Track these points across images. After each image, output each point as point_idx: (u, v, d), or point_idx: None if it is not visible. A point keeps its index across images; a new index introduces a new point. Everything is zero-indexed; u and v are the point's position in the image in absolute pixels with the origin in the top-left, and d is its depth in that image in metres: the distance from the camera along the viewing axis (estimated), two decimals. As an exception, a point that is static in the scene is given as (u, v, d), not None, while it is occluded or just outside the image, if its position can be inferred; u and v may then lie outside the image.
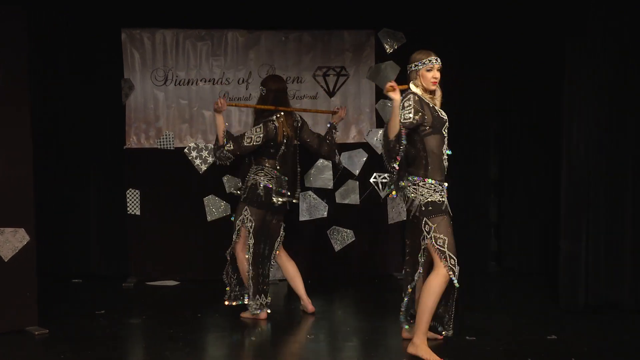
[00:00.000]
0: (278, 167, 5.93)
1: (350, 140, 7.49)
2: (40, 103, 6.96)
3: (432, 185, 4.89)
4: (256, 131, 5.84)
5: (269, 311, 5.96)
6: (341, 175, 7.45)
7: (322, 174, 7.46)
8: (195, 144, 7.26)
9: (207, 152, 7.24)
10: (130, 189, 7.27)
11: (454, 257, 4.88)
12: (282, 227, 6.04)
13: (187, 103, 7.29)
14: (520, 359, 4.89)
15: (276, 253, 6.04)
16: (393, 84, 4.82)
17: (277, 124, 5.86)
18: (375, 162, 7.45)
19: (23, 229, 5.55)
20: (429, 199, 4.88)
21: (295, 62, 7.39)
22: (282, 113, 5.91)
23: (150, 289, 7.10)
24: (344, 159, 7.45)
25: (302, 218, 7.44)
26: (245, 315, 5.96)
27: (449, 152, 5.01)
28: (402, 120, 4.75)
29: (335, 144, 6.26)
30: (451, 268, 4.84)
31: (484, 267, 7.67)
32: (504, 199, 7.80)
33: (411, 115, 4.75)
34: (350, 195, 7.50)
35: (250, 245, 5.87)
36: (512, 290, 7.06)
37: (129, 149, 7.27)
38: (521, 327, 5.68)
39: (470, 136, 7.55)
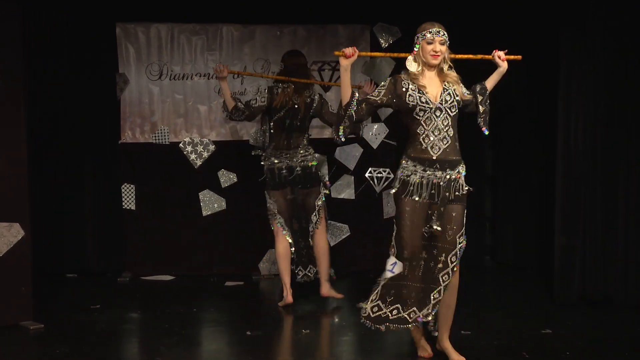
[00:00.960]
0: (272, 132, 6.16)
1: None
2: (34, 98, 6.94)
3: (404, 161, 4.60)
4: (261, 94, 6.19)
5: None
6: (336, 170, 7.47)
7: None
8: (191, 138, 7.26)
9: (202, 146, 7.24)
10: (126, 184, 7.26)
11: (394, 247, 4.61)
12: (317, 200, 6.18)
13: (182, 98, 7.28)
14: (515, 353, 4.90)
15: (315, 227, 6.18)
16: (347, 50, 4.65)
17: (279, 91, 6.10)
18: (370, 157, 7.49)
19: (18, 224, 5.54)
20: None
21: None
22: (292, 85, 6.07)
23: (145, 284, 7.10)
24: (339, 153, 7.45)
25: (297, 213, 7.43)
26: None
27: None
28: (370, 94, 4.69)
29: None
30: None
31: (479, 261, 7.69)
32: (498, 194, 7.81)
33: (376, 94, 4.60)
34: (345, 189, 7.50)
35: (281, 224, 6.17)
36: (506, 284, 7.07)
37: (123, 144, 7.26)
38: (516, 321, 5.69)
39: (465, 131, 7.53)
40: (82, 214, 7.44)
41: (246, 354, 4.93)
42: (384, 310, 4.59)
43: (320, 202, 6.19)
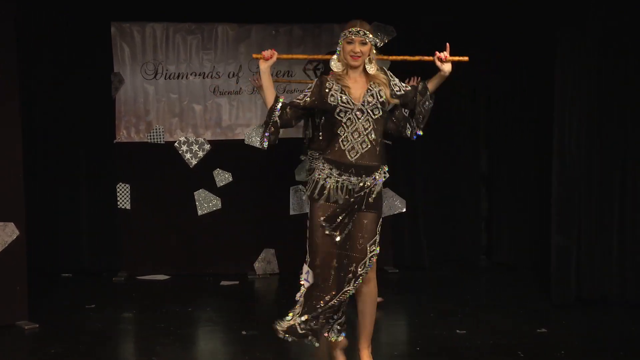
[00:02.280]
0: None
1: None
2: (29, 98, 6.93)
3: (321, 163, 4.39)
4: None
5: None
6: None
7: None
8: (186, 138, 7.25)
9: (197, 146, 7.24)
10: (121, 183, 7.26)
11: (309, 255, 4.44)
12: None
13: (177, 97, 7.27)
14: (511, 353, 4.90)
15: None
16: (266, 53, 4.36)
17: None
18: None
19: (13, 224, 5.53)
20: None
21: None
22: None
23: (140, 283, 7.09)
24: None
25: (292, 212, 7.43)
26: None
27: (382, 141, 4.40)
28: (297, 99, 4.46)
29: (405, 118, 5.93)
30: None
31: (475, 261, 7.70)
32: (494, 194, 7.82)
33: (301, 97, 4.39)
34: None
35: None
36: (502, 284, 7.08)
37: (119, 143, 7.25)
38: (512, 320, 5.69)
39: (461, 131, 7.57)
40: (78, 214, 7.43)
41: (242, 354, 4.92)
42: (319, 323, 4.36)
43: None
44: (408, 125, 4.56)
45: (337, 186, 4.30)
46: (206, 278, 7.22)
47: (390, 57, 4.73)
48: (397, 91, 4.35)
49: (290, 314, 4.38)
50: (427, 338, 5.33)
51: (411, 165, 7.38)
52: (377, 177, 4.33)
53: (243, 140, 7.30)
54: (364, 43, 4.28)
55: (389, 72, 4.40)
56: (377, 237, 4.35)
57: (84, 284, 7.11)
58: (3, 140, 5.50)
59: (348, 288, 4.33)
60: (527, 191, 7.50)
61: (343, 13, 7.31)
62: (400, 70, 4.56)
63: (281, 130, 4.46)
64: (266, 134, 4.42)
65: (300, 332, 4.34)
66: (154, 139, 7.23)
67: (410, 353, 5.04)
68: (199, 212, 7.30)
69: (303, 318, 4.33)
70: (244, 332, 5.44)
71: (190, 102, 7.28)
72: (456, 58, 4.33)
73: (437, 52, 4.34)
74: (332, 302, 4.32)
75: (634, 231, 5.98)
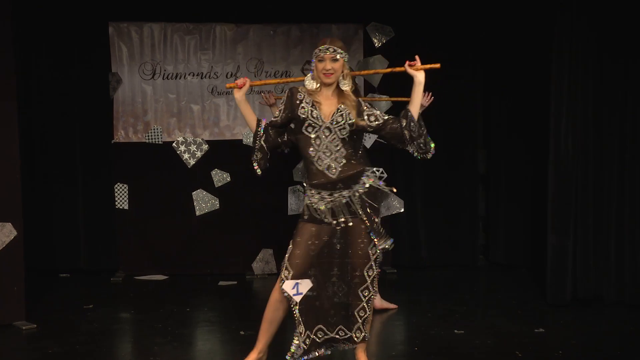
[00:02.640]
0: None
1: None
2: (27, 98, 6.93)
3: (308, 190, 4.38)
4: None
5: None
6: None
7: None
8: (184, 138, 7.25)
9: (195, 146, 7.23)
10: (119, 184, 7.26)
11: (289, 269, 4.36)
12: None
13: (175, 97, 7.27)
14: (508, 352, 4.91)
15: None
16: (239, 81, 4.39)
17: None
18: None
19: (10, 224, 5.53)
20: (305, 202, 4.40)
21: (284, 56, 7.38)
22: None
23: (138, 283, 7.09)
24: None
25: (290, 212, 7.42)
26: None
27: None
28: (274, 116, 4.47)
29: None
30: (282, 279, 4.38)
31: (472, 261, 7.69)
32: (491, 194, 7.82)
33: (277, 113, 4.40)
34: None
35: None
36: (499, 284, 7.08)
37: (116, 143, 7.25)
38: (509, 320, 5.70)
39: (459, 132, 7.57)
40: (75, 214, 7.42)
41: (240, 353, 4.89)
42: (311, 337, 4.36)
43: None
44: (410, 148, 4.56)
45: (331, 208, 4.30)
46: (204, 278, 7.23)
47: (363, 72, 4.72)
48: (373, 121, 4.31)
49: (296, 338, 4.37)
50: (425, 338, 5.33)
51: (409, 165, 7.38)
52: (366, 180, 4.34)
53: (241, 140, 7.30)
54: (334, 60, 4.27)
55: (362, 101, 4.38)
56: (376, 240, 4.36)
57: (81, 284, 7.10)
58: (0, 140, 5.49)
59: (362, 295, 4.33)
60: (524, 191, 7.50)
61: (341, 13, 7.36)
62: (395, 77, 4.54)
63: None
64: (253, 159, 4.48)
65: (312, 346, 4.37)
66: (152, 139, 7.23)
67: (408, 353, 5.04)
68: (197, 212, 7.30)
69: (308, 332, 4.34)
70: (242, 332, 5.44)
71: (188, 102, 7.28)
72: (427, 66, 4.30)
73: (407, 62, 4.32)
74: (335, 310, 4.37)
75: (630, 231, 6.00)
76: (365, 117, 4.31)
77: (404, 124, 4.28)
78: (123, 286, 6.99)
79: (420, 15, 7.39)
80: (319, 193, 4.32)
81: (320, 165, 4.29)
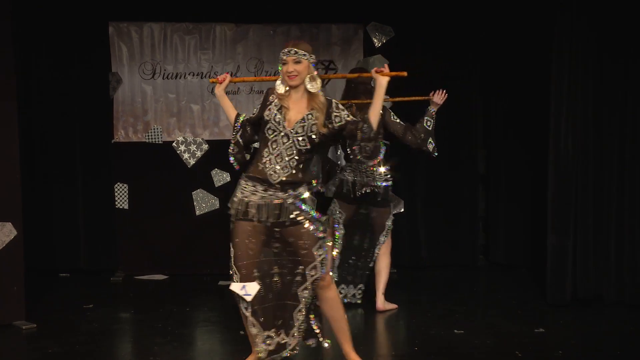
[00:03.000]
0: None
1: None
2: (27, 97, 6.92)
3: (243, 181, 4.38)
4: None
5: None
6: (330, 169, 7.45)
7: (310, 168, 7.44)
8: (184, 137, 7.25)
9: (195, 146, 7.23)
10: (119, 183, 7.26)
11: (236, 272, 4.40)
12: (387, 220, 6.01)
13: (175, 97, 7.27)
14: (508, 352, 4.91)
15: (379, 248, 6.02)
16: (220, 77, 4.48)
17: None
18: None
19: (10, 223, 5.53)
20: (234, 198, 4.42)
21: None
22: (351, 105, 5.89)
23: (138, 283, 7.09)
24: (331, 153, 7.43)
25: (290, 212, 7.43)
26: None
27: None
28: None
29: (428, 131, 5.81)
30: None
31: (473, 261, 7.69)
32: (491, 194, 7.81)
33: (255, 110, 4.41)
34: (338, 189, 7.49)
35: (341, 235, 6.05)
36: (499, 284, 7.08)
37: (116, 143, 7.25)
38: (509, 320, 5.70)
39: (458, 132, 7.57)
40: (75, 214, 7.42)
41: (239, 353, 4.89)
42: (273, 337, 4.36)
43: (389, 222, 6.03)
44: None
45: (261, 204, 4.28)
46: (204, 278, 7.21)
47: (331, 76, 4.72)
48: (337, 122, 4.28)
49: (258, 340, 4.35)
50: (425, 338, 5.33)
51: (409, 166, 7.38)
52: (302, 191, 4.30)
53: (241, 140, 7.29)
54: (297, 62, 4.24)
55: (334, 101, 4.34)
56: (322, 242, 4.31)
57: (81, 283, 7.10)
58: (0, 140, 5.48)
59: (301, 296, 4.32)
60: (524, 191, 7.50)
61: (341, 13, 7.36)
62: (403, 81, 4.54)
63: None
64: (230, 153, 4.51)
65: (274, 347, 4.35)
66: (151, 139, 7.23)
67: (408, 353, 5.04)
68: (197, 212, 7.30)
69: (267, 333, 4.34)
70: (242, 332, 5.38)
71: (188, 102, 7.28)
72: (394, 73, 4.29)
73: (375, 69, 4.33)
74: (277, 311, 4.35)
75: (630, 231, 6.00)
76: (333, 119, 4.28)
77: (360, 125, 4.27)
78: (123, 286, 6.98)
79: (420, 16, 7.39)
80: (253, 186, 4.30)
81: (266, 168, 4.26)
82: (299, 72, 4.24)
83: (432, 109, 5.84)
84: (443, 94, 5.84)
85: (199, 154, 7.23)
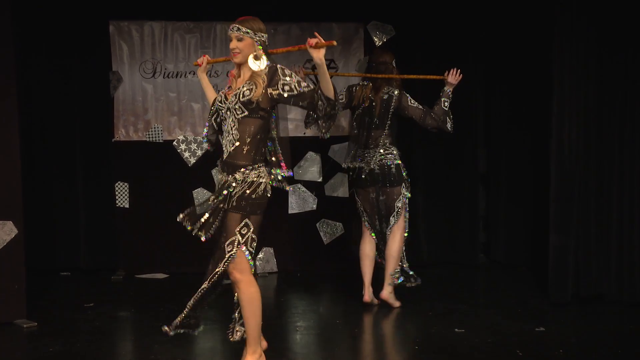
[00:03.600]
0: (355, 131, 6.06)
1: (339, 133, 7.46)
2: (27, 96, 6.93)
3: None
4: (341, 92, 6.08)
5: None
6: (330, 168, 7.48)
7: (311, 166, 7.45)
8: (184, 136, 7.25)
9: (195, 144, 7.23)
10: (119, 182, 7.27)
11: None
12: (397, 201, 5.96)
13: (176, 95, 7.28)
14: (509, 351, 4.92)
15: (390, 230, 6.00)
16: (199, 60, 4.73)
17: (357, 89, 6.04)
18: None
19: (11, 222, 5.55)
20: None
21: (284, 54, 7.36)
22: (370, 82, 5.97)
23: (139, 282, 7.09)
24: (332, 151, 7.44)
25: (291, 211, 7.45)
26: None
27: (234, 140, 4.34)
28: None
29: (445, 112, 5.90)
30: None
31: (473, 259, 7.69)
32: (492, 193, 7.83)
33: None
34: (339, 187, 7.51)
35: (368, 223, 6.08)
36: (500, 282, 7.09)
37: (117, 142, 7.25)
38: (510, 319, 5.70)
39: (459, 130, 7.55)
40: (76, 212, 7.43)
41: (241, 351, 4.87)
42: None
43: (400, 204, 5.98)
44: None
45: (219, 183, 4.40)
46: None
47: (271, 51, 4.64)
48: (286, 90, 4.26)
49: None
50: (425, 337, 5.34)
51: (410, 164, 7.38)
52: (238, 176, 4.29)
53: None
54: (239, 39, 4.31)
55: (279, 68, 4.30)
56: (237, 238, 4.35)
57: (82, 282, 7.12)
58: (1, 139, 5.50)
59: (204, 286, 4.59)
60: (525, 190, 7.51)
61: (341, 12, 7.37)
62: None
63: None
64: (204, 135, 4.58)
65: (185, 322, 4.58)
66: (152, 137, 7.23)
67: (408, 352, 5.05)
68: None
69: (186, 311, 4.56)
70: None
71: (188, 100, 7.29)
72: (325, 43, 4.22)
73: (309, 39, 4.26)
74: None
75: (631, 230, 6.00)
76: (279, 87, 4.26)
77: (322, 96, 4.25)
78: (124, 285, 6.99)
79: (420, 14, 7.41)
80: (217, 166, 4.49)
81: (222, 143, 4.38)
82: (241, 49, 4.31)
83: (448, 90, 5.92)
84: (457, 74, 5.91)
85: (199, 152, 7.23)
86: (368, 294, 6.06)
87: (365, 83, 6.03)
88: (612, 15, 5.94)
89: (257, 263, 7.40)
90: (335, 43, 4.26)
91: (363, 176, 6.00)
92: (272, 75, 4.28)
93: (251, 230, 4.35)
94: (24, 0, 6.73)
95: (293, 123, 7.44)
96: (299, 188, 7.42)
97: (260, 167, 4.35)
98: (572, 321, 5.69)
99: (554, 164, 6.06)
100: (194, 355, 5.04)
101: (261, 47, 4.34)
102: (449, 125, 5.94)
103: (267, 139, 4.41)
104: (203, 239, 4.45)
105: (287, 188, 4.51)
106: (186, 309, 4.58)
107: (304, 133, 7.42)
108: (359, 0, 7.34)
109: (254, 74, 4.30)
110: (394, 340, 5.46)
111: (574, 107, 6.00)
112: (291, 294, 6.73)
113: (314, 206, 7.48)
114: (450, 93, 5.93)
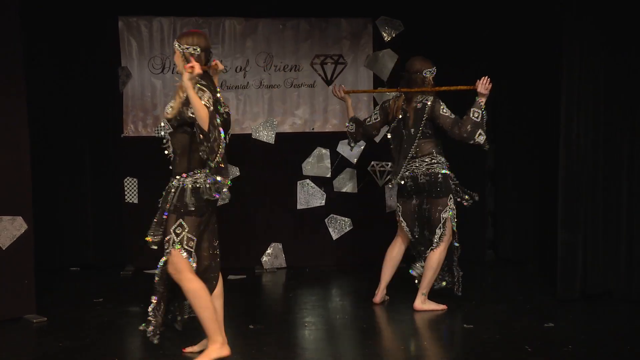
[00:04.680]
0: (391, 147, 6.00)
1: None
2: (36, 92, 6.95)
3: None
4: (374, 112, 6.15)
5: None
6: (339, 164, 7.49)
7: (320, 162, 7.46)
8: (193, 132, 7.26)
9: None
10: (128, 178, 7.30)
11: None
12: (443, 212, 5.76)
13: (185, 91, 7.28)
14: (518, 347, 4.92)
15: (437, 243, 5.81)
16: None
17: (389, 104, 5.99)
18: (372, 151, 7.50)
19: (21, 217, 5.58)
20: None
21: (293, 50, 7.40)
22: (401, 95, 5.90)
23: (147, 277, 7.08)
24: (341, 148, 7.45)
25: (299, 206, 7.46)
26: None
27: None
28: None
29: (476, 123, 5.64)
30: None
31: (481, 255, 7.70)
32: (500, 189, 7.83)
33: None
34: (347, 183, 7.52)
35: (404, 228, 5.98)
36: (508, 279, 7.09)
37: (126, 137, 7.27)
38: (518, 315, 5.72)
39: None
40: (85, 208, 7.46)
41: (249, 347, 4.96)
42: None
43: (445, 215, 5.78)
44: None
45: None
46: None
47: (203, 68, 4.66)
48: (191, 112, 4.32)
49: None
50: (434, 332, 5.35)
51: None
52: (175, 183, 4.53)
53: (250, 134, 7.32)
54: (174, 53, 4.52)
55: (199, 90, 4.30)
56: (172, 237, 4.58)
57: (91, 277, 7.16)
58: (10, 135, 5.53)
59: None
60: (533, 187, 7.50)
61: (350, 7, 7.37)
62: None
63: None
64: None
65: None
66: (161, 133, 7.24)
67: (417, 347, 5.06)
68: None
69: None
70: (251, 326, 5.48)
71: (197, 96, 7.29)
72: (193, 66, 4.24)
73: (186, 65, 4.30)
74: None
75: (639, 226, 5.98)
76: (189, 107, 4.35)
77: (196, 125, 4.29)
78: (132, 280, 7.03)
79: (428, 10, 7.40)
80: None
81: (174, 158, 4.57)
82: (177, 63, 4.52)
83: (479, 100, 5.70)
84: (487, 83, 5.68)
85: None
86: (380, 296, 6.05)
87: (398, 95, 5.94)
88: (619, 10, 5.92)
89: (266, 259, 7.41)
90: (199, 70, 4.23)
91: (407, 186, 5.86)
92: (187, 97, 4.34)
93: (186, 230, 4.53)
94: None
95: (302, 119, 7.47)
96: (308, 184, 7.43)
97: (197, 173, 4.49)
98: (580, 318, 5.68)
99: (562, 161, 6.05)
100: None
101: (198, 59, 4.42)
102: (479, 138, 5.65)
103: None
104: (151, 242, 4.77)
105: (219, 194, 4.57)
106: (160, 310, 4.76)
107: (312, 129, 7.46)
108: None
109: (179, 89, 4.44)
110: (402, 335, 5.45)
111: (582, 104, 5.99)
112: (299, 289, 6.73)
113: (323, 202, 7.51)
114: (481, 104, 5.68)
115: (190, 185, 4.49)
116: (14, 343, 5.17)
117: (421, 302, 5.87)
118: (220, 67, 4.53)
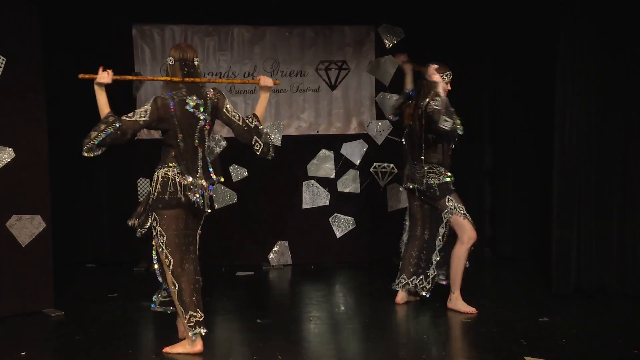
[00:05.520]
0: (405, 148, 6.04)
1: (352, 132, 7.61)
2: (54, 95, 7.09)
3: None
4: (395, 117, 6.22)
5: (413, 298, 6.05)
6: (342, 164, 7.56)
7: (324, 163, 7.58)
8: (203, 134, 7.37)
9: (214, 142, 7.32)
10: (141, 178, 7.40)
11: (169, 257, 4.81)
12: (444, 212, 5.80)
13: (195, 96, 7.39)
14: (514, 341, 4.97)
15: (441, 240, 5.91)
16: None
17: (406, 109, 5.99)
18: (375, 152, 7.59)
19: (39, 216, 5.70)
20: None
21: (299, 56, 7.48)
22: (411, 102, 5.93)
23: (160, 274, 7.21)
24: (344, 149, 7.55)
25: (304, 206, 7.58)
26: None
27: None
28: None
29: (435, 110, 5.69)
30: None
31: (479, 253, 7.65)
32: (498, 188, 7.82)
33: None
34: (351, 184, 7.62)
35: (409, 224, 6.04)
36: (505, 275, 7.09)
37: (139, 140, 7.28)
38: (514, 310, 5.74)
39: (465, 127, 7.63)
40: (100, 208, 7.56)
41: (256, 341, 5.02)
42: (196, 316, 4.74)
43: (446, 215, 5.80)
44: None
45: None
46: (222, 269, 7.33)
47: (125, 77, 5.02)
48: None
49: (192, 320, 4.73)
50: (433, 327, 5.42)
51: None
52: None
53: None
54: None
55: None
56: (153, 231, 4.77)
57: (106, 274, 7.24)
58: (30, 136, 5.62)
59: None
60: (529, 186, 7.53)
61: (353, 15, 7.42)
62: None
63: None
64: None
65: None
66: (172, 135, 7.35)
67: (417, 342, 5.12)
68: (216, 206, 7.36)
69: (190, 314, 4.69)
70: (258, 320, 5.54)
71: (206, 100, 7.40)
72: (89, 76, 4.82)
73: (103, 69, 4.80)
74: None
75: (633, 223, 6.02)
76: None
77: None
78: (145, 276, 7.04)
79: (428, 15, 7.44)
80: None
81: None
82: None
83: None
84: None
85: (217, 150, 7.30)
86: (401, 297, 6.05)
87: (410, 102, 5.97)
88: (615, 13, 5.95)
89: (272, 256, 7.55)
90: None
91: (412, 188, 5.92)
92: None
93: (157, 224, 4.76)
94: (51, 4, 6.89)
95: (307, 122, 7.56)
96: (312, 184, 7.53)
97: (163, 167, 5.02)
98: (574, 312, 5.68)
99: (556, 159, 6.07)
100: (211, 344, 5.04)
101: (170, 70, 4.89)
102: (443, 125, 5.63)
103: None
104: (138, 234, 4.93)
105: (195, 196, 4.99)
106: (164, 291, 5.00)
107: (317, 132, 7.53)
108: (370, 3, 7.37)
109: None
110: (404, 330, 5.52)
111: (576, 103, 6.01)
112: (305, 285, 6.79)
113: (327, 201, 7.58)
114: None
115: (159, 179, 4.95)
116: (34, 335, 5.27)
117: (449, 301, 5.86)
118: (269, 82, 5.04)
